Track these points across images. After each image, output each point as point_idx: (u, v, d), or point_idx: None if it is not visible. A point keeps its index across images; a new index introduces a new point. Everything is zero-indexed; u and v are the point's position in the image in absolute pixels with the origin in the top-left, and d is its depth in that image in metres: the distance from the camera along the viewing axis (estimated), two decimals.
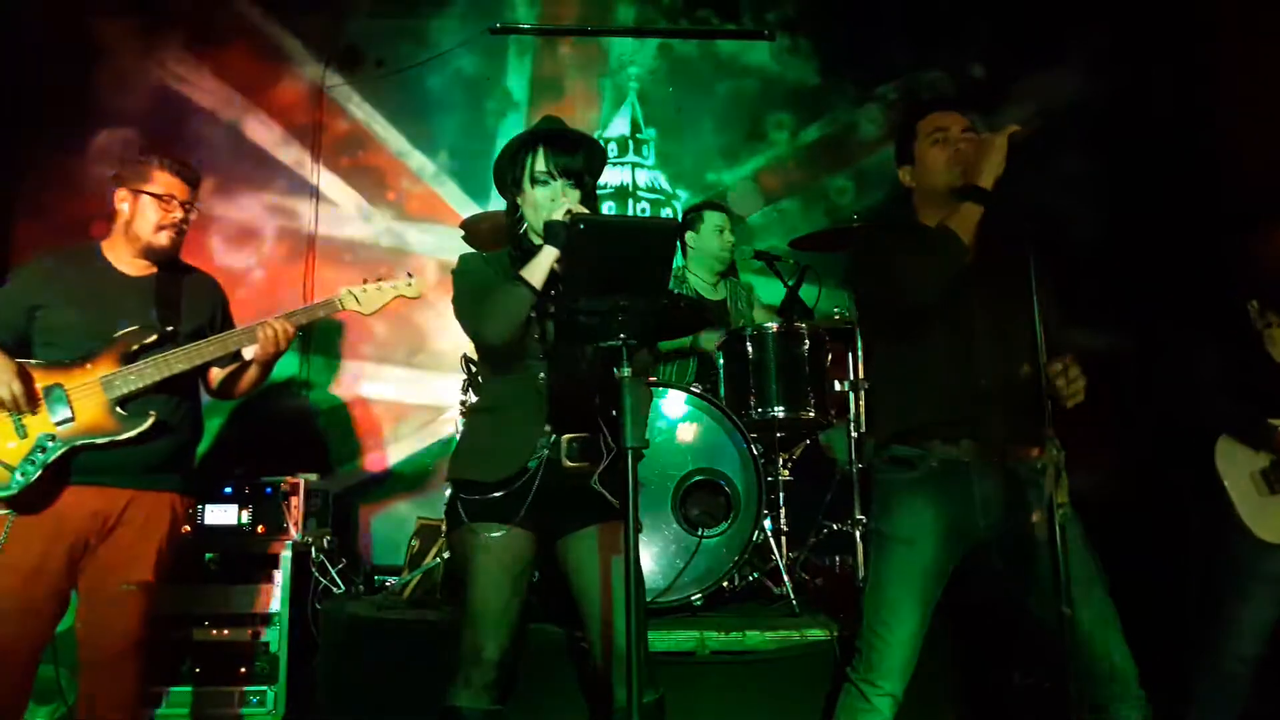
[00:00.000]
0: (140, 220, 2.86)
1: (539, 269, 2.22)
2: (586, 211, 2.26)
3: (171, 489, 2.84)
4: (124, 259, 2.90)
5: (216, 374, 3.00)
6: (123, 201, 2.88)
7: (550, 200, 2.32)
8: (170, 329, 2.83)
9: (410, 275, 3.04)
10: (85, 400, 2.69)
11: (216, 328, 2.98)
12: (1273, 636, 2.93)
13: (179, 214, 2.89)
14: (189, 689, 3.44)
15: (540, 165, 2.34)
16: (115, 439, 2.69)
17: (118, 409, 2.70)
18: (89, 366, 2.72)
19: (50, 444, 2.65)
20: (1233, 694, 2.88)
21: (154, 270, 2.92)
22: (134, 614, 2.76)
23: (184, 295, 2.94)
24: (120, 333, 2.76)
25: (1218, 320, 3.13)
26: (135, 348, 2.76)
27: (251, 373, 2.98)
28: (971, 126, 2.49)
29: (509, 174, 2.42)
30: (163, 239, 2.87)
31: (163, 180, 2.87)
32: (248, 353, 2.92)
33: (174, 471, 2.85)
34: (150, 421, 2.71)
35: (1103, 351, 3.68)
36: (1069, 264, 2.54)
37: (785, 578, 3.40)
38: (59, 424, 2.67)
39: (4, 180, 4.75)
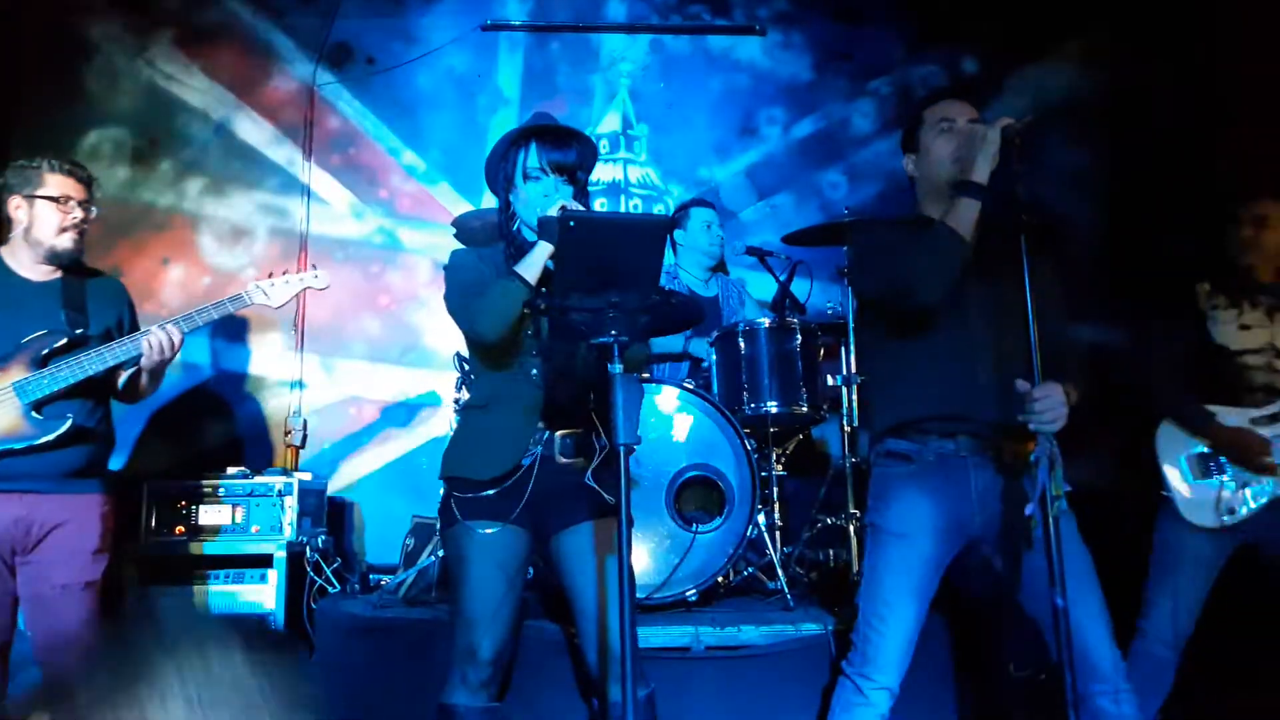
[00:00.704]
0: (40, 225, 2.84)
1: (534, 265, 2.22)
2: (580, 208, 2.27)
3: (94, 491, 2.83)
4: (25, 264, 2.87)
5: (120, 378, 2.94)
6: (18, 209, 2.85)
7: (543, 196, 2.32)
8: (80, 332, 2.81)
9: (315, 268, 3.15)
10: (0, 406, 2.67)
11: (125, 330, 2.97)
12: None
13: (79, 214, 2.87)
14: None
15: (532, 161, 2.34)
16: (33, 444, 2.67)
17: (33, 414, 2.68)
18: (0, 372, 2.70)
19: None
20: (1158, 678, 2.90)
21: (58, 274, 2.89)
22: (84, 614, 2.75)
23: (90, 299, 2.92)
24: (29, 337, 2.74)
25: (1164, 303, 3.16)
26: (45, 351, 2.74)
27: (143, 380, 2.94)
28: (980, 118, 2.47)
29: (501, 171, 2.42)
30: (66, 241, 2.85)
31: (55, 182, 2.85)
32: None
33: (94, 475, 2.84)
34: (69, 424, 2.70)
35: (1099, 346, 3.71)
36: (1068, 259, 2.54)
37: (780, 572, 3.40)
38: None
39: None
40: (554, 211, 2.24)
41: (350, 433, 4.84)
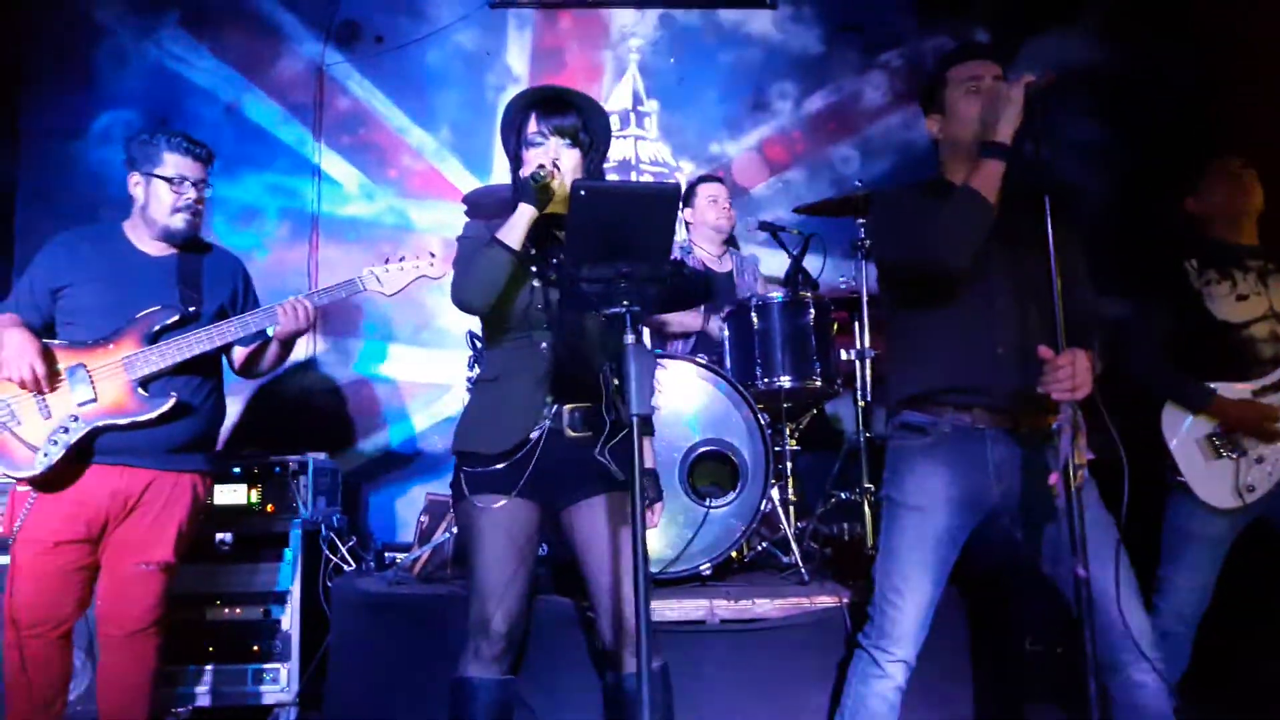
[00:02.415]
0: (154, 204, 2.85)
1: (515, 229, 2.20)
2: (584, 177, 2.25)
3: (193, 469, 2.84)
4: (144, 240, 2.89)
5: (239, 353, 3.00)
6: (136, 185, 2.87)
7: (548, 161, 2.28)
8: (193, 309, 2.83)
9: (433, 254, 3.00)
10: (107, 381, 2.70)
11: (239, 305, 2.99)
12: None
13: (192, 194, 2.87)
14: (202, 667, 3.46)
15: (533, 128, 2.32)
16: (137, 420, 2.70)
17: (139, 389, 2.71)
18: (111, 347, 2.73)
19: (73, 424, 2.66)
20: (1175, 654, 2.89)
21: (174, 250, 2.91)
22: (152, 593, 2.78)
23: (205, 274, 2.93)
24: (143, 313, 2.76)
25: (1159, 282, 3.12)
26: (157, 328, 2.76)
27: (273, 350, 2.98)
28: (1004, 76, 2.39)
29: (509, 142, 2.40)
30: (178, 221, 2.86)
31: (172, 161, 2.85)
32: (270, 331, 2.92)
33: (195, 452, 2.85)
34: (171, 402, 2.71)
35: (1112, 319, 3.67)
36: (1086, 231, 2.49)
37: (794, 547, 3.39)
38: (81, 404, 2.68)
39: (4, 165, 4.73)
40: (525, 173, 2.23)
41: (363, 411, 4.85)
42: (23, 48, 4.77)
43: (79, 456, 2.68)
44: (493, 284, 2.19)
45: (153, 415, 2.70)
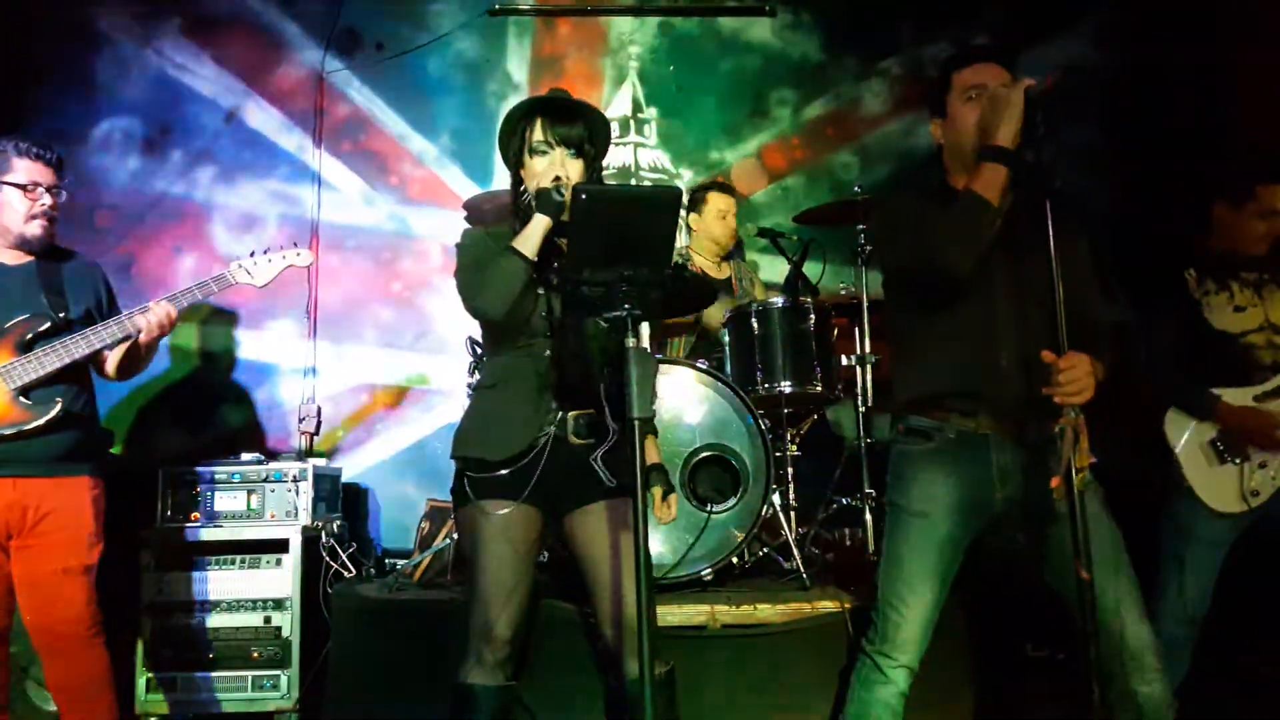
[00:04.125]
0: (7, 212, 2.81)
1: (530, 238, 2.20)
2: (585, 182, 2.25)
3: (85, 474, 2.83)
4: (1, 250, 2.85)
5: (110, 357, 2.95)
6: None
7: (550, 169, 2.30)
8: (62, 315, 2.80)
9: (296, 244, 3.09)
10: None
11: (104, 310, 2.96)
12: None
13: (47, 200, 2.84)
14: (202, 674, 3.45)
15: (538, 135, 2.31)
16: (23, 429, 2.67)
17: (21, 399, 2.68)
18: None
19: None
20: (1176, 657, 2.89)
21: (33, 259, 2.88)
22: (78, 599, 2.77)
23: (68, 281, 2.90)
24: (11, 322, 2.73)
25: (1161, 290, 3.13)
26: (30, 336, 2.73)
27: (139, 354, 2.95)
28: (1011, 78, 2.34)
29: (510, 147, 2.40)
30: (35, 228, 2.83)
31: (23, 167, 2.81)
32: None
33: (84, 459, 2.84)
34: (58, 408, 2.70)
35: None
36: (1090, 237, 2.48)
37: (795, 552, 3.39)
38: None
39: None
40: (548, 184, 2.23)
41: (364, 418, 4.85)
42: (24, 54, 4.77)
43: None
44: (509, 291, 2.19)
45: (40, 423, 2.68)
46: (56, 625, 2.74)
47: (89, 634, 2.78)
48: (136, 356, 2.95)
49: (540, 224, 2.20)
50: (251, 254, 3.03)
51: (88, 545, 2.79)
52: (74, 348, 2.74)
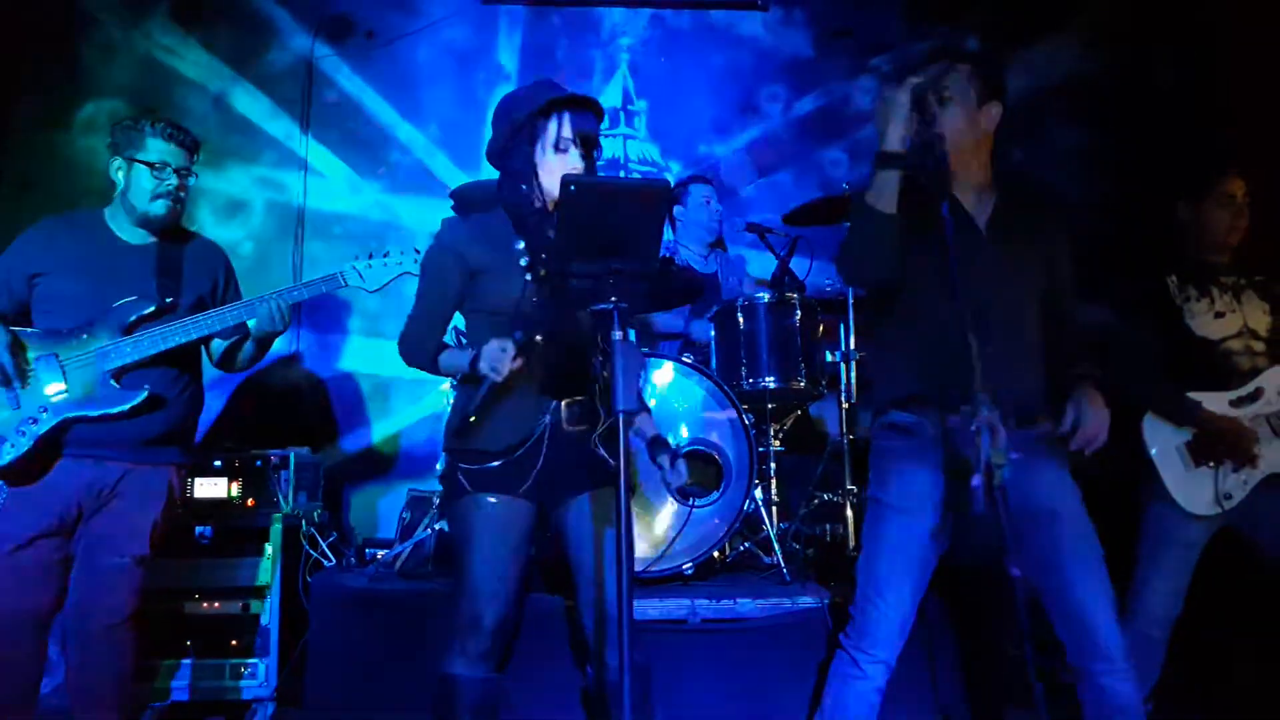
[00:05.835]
0: (135, 189, 2.79)
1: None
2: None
3: (168, 462, 2.81)
4: (125, 227, 2.84)
5: (217, 346, 2.97)
6: (118, 170, 2.82)
7: (572, 169, 2.28)
8: (170, 300, 2.78)
9: (417, 250, 2.97)
10: (80, 371, 2.66)
11: (219, 297, 2.95)
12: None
13: (174, 181, 2.81)
14: (180, 662, 3.43)
15: (566, 132, 2.29)
16: (108, 412, 2.65)
17: (111, 381, 2.67)
18: (86, 337, 2.69)
19: (42, 415, 2.63)
20: (1149, 659, 2.92)
21: (155, 238, 2.86)
22: (128, 587, 2.74)
23: (186, 264, 2.88)
24: (118, 303, 2.72)
25: (1143, 296, 3.15)
26: (133, 319, 2.72)
27: (248, 348, 2.95)
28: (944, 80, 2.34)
29: (521, 139, 2.33)
30: (159, 208, 2.81)
31: (155, 146, 2.80)
32: (251, 324, 2.88)
33: (170, 445, 2.81)
34: (143, 396, 2.68)
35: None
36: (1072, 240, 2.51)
37: (776, 547, 3.40)
38: (52, 395, 2.64)
39: None
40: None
41: (347, 408, 4.83)
42: (9, 36, 4.72)
43: (50, 448, 2.64)
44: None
45: (124, 408, 2.66)
46: (98, 611, 2.70)
47: (128, 624, 2.74)
48: (245, 351, 2.95)
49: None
50: (370, 255, 2.98)
51: (150, 536, 2.76)
52: (170, 335, 2.72)
